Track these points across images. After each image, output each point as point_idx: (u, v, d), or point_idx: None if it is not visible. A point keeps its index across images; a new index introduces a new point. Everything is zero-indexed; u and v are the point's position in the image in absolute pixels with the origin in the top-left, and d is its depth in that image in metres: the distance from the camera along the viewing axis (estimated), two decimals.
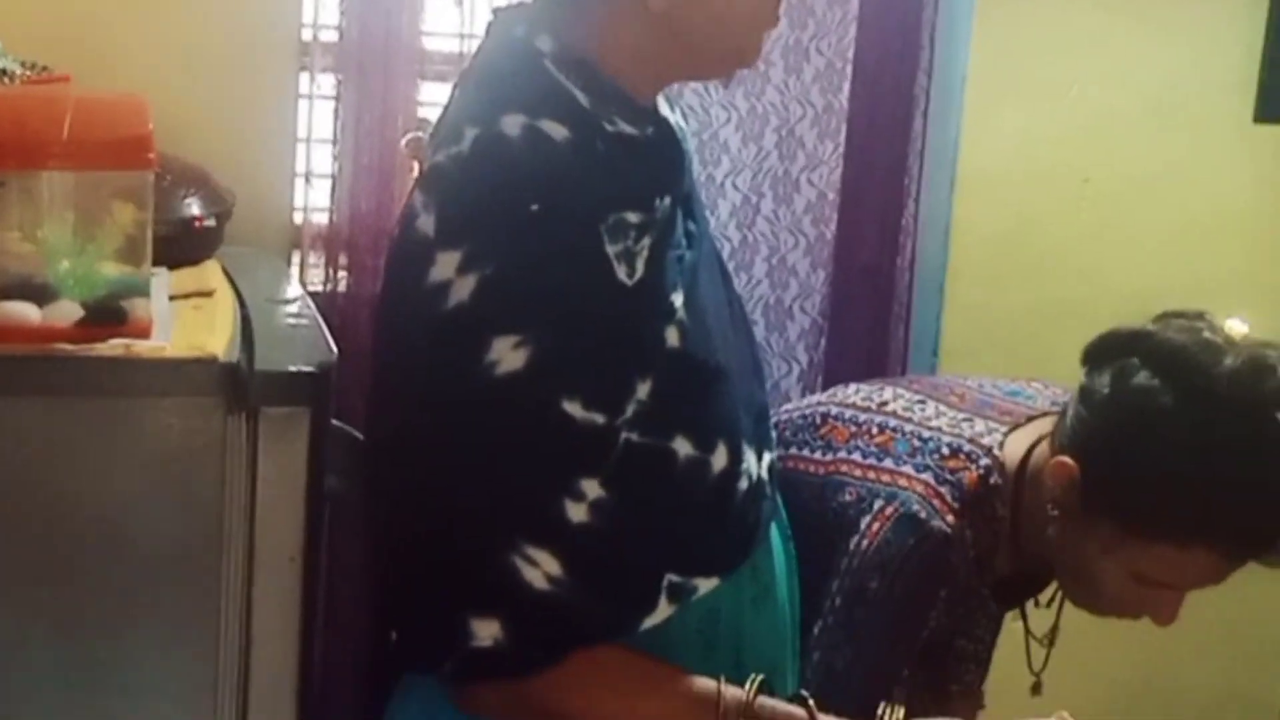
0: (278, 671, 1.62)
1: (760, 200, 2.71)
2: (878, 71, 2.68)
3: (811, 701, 1.41)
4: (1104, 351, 1.73)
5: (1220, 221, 2.96)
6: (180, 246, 2.00)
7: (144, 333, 1.63)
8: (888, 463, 1.77)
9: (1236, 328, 1.68)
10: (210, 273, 2.01)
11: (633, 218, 1.34)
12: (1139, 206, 2.91)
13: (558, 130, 1.33)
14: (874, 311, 2.74)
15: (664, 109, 1.46)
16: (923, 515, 1.71)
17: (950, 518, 1.71)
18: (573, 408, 1.29)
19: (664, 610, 1.37)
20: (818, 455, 1.83)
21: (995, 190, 2.84)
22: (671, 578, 1.37)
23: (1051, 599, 1.90)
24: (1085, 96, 2.84)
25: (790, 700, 1.42)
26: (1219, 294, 2.93)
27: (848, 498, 1.76)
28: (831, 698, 1.50)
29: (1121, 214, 2.89)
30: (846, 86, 2.70)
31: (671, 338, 1.36)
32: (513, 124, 1.33)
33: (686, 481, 1.37)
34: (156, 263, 1.70)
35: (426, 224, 1.32)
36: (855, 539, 1.72)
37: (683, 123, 1.53)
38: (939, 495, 1.73)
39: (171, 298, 1.82)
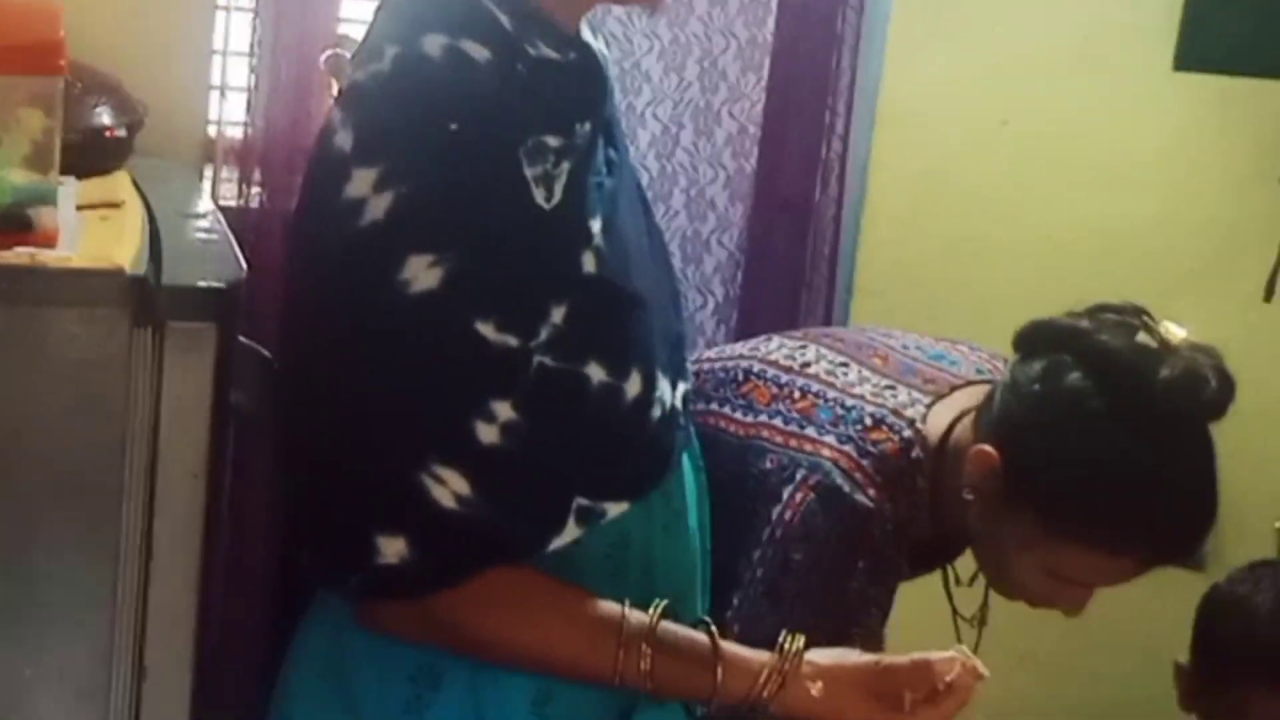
0: (178, 587, 1.61)
1: (680, 131, 2.71)
2: (802, 5, 2.68)
3: (714, 628, 1.43)
4: (1036, 341, 1.71)
5: (1136, 167, 2.98)
6: (89, 156, 1.97)
7: (50, 242, 1.61)
8: (810, 431, 1.76)
9: (1174, 331, 1.65)
10: (119, 184, 1.98)
11: (552, 141, 1.33)
12: (1057, 149, 2.92)
13: (479, 51, 1.32)
14: (791, 247, 2.75)
15: (587, 35, 1.46)
16: (846, 489, 1.70)
17: (872, 491, 1.71)
18: (486, 329, 1.29)
19: (571, 532, 1.38)
20: (739, 415, 1.82)
21: (915, 129, 2.85)
22: (580, 501, 1.38)
23: (975, 577, 1.88)
24: (1007, 38, 2.85)
25: (694, 626, 1.44)
26: (1133, 239, 2.97)
27: (769, 465, 1.75)
28: None
29: (1039, 156, 2.91)
30: (771, 20, 2.69)
31: (588, 263, 1.36)
32: (434, 44, 1.32)
33: (599, 407, 1.37)
34: (65, 172, 1.66)
35: (344, 140, 1.31)
36: (777, 509, 1.72)
37: (605, 50, 1.52)
38: (861, 468, 1.72)
39: (79, 208, 1.79)
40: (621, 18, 2.60)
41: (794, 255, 2.74)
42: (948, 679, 1.43)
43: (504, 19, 1.34)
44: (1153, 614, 3.08)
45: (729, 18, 2.68)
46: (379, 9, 1.41)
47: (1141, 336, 1.65)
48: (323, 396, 1.34)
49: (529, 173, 1.31)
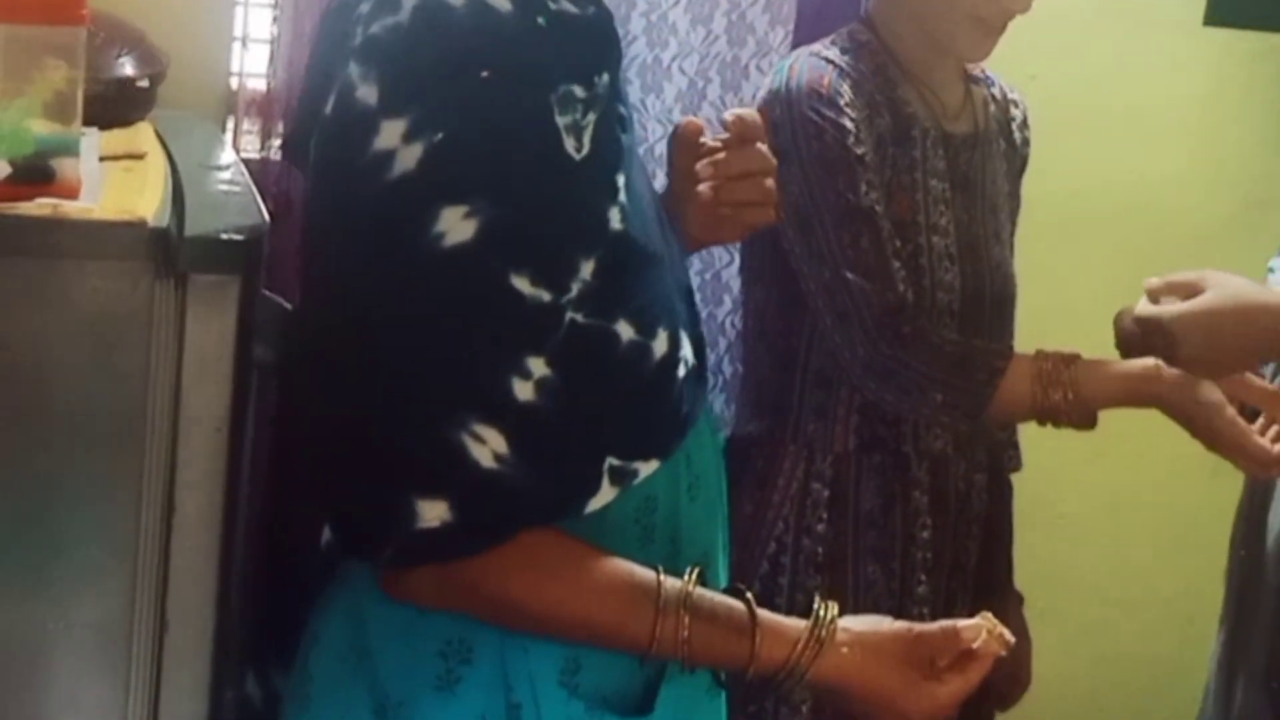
0: (200, 540, 1.60)
1: (707, 85, 2.68)
2: None
3: (749, 595, 1.41)
4: None
5: (1165, 123, 2.96)
6: (112, 107, 1.96)
7: (72, 193, 1.60)
8: None
9: None
10: (142, 135, 1.97)
11: (579, 92, 1.31)
12: (1085, 104, 2.91)
13: (500, 3, 1.30)
14: None
15: None
16: (804, 60, 2.11)
17: (834, 53, 2.13)
18: (521, 283, 1.27)
19: (607, 494, 1.36)
20: None
21: None
22: (612, 461, 1.36)
23: None
24: None
25: (727, 592, 1.42)
26: (1160, 191, 2.96)
27: None
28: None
29: (1068, 111, 2.89)
30: None
31: (615, 219, 1.34)
32: None
33: (629, 366, 1.35)
34: (87, 123, 1.66)
35: (367, 94, 1.29)
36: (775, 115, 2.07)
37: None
38: (816, 47, 2.16)
39: (101, 159, 1.79)
40: None
41: None
42: (974, 646, 1.44)
43: None
44: (1169, 569, 3.09)
45: None
46: None
47: None
48: (354, 357, 1.31)
49: (560, 121, 1.29)
